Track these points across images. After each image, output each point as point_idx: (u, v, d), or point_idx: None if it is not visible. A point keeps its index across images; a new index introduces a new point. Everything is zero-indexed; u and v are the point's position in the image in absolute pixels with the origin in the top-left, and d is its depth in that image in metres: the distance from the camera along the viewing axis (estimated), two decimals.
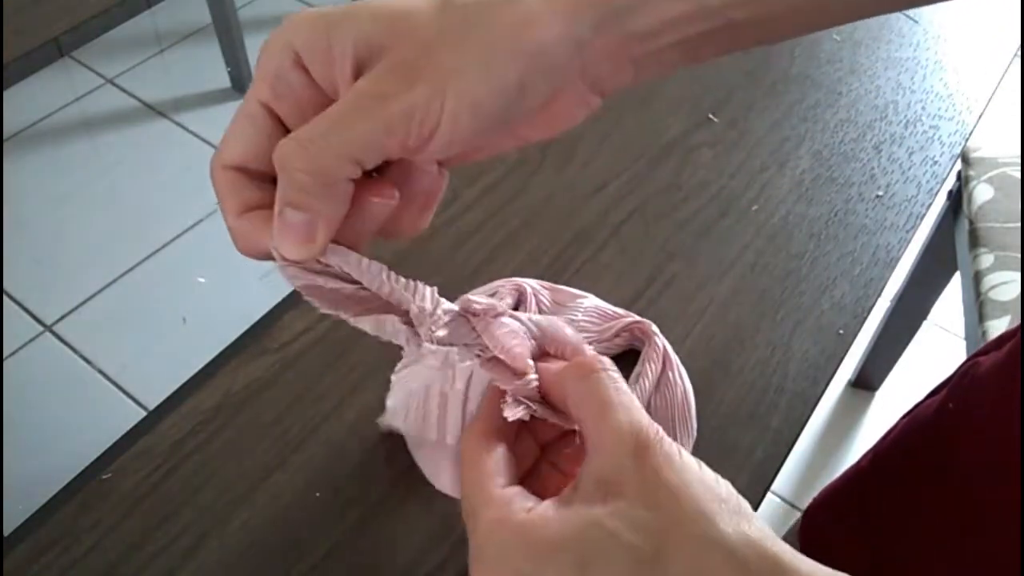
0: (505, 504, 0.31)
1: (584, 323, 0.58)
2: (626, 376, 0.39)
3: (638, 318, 0.58)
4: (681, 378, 0.55)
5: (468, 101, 0.29)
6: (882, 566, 0.58)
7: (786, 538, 0.76)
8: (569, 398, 0.34)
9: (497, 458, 0.34)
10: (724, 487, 0.30)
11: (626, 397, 0.32)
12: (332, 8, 0.30)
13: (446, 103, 0.28)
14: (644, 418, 0.31)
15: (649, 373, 0.55)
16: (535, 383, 0.36)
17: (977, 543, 0.50)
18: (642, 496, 0.29)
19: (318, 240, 0.30)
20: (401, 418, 0.48)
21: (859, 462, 0.64)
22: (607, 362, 0.34)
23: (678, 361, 0.56)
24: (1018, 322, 0.92)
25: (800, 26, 0.34)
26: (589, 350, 0.38)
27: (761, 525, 0.29)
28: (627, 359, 0.57)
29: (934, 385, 0.61)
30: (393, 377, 0.49)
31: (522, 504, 0.31)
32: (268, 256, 0.32)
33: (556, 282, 0.62)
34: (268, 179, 0.32)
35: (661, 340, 0.56)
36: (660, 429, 0.31)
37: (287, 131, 0.31)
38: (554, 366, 0.36)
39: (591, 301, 0.59)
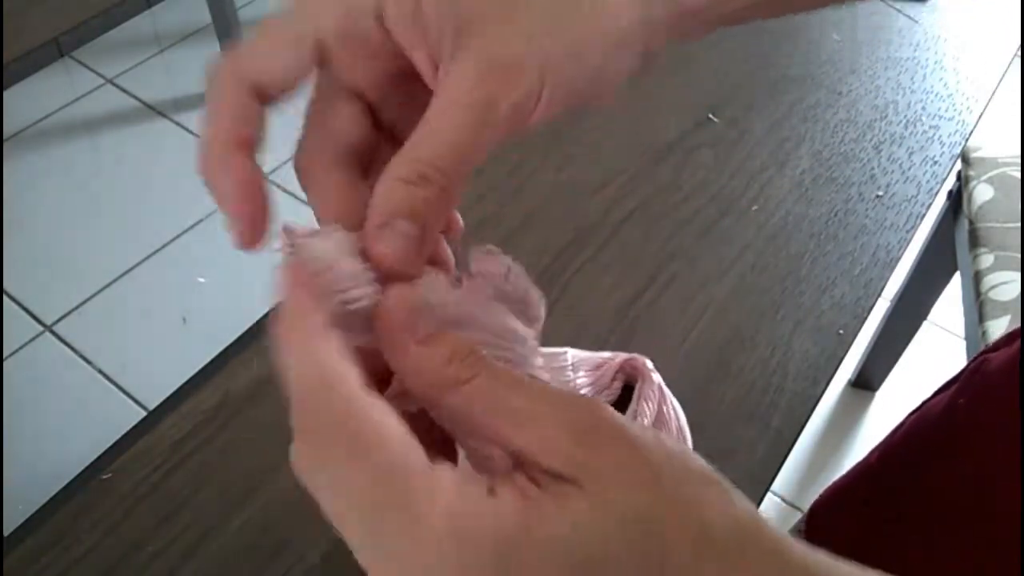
0: (464, 494, 0.23)
1: (581, 380, 0.57)
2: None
3: (627, 355, 0.57)
4: (676, 413, 0.55)
5: (563, 91, 0.28)
6: (891, 561, 0.58)
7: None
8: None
9: (397, 422, 0.24)
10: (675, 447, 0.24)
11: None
12: None
13: (544, 93, 0.28)
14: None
15: (647, 411, 0.53)
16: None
17: (987, 538, 0.51)
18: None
19: (423, 253, 0.27)
20: None
21: (867, 458, 0.64)
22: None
23: (671, 396, 0.56)
24: (1018, 322, 0.93)
25: None
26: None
27: (738, 497, 0.24)
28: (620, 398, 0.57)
29: (934, 384, 0.61)
30: None
31: (479, 491, 0.23)
32: (259, 224, 0.28)
33: (556, 282, 0.62)
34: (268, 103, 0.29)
35: (657, 377, 0.56)
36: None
37: (322, 64, 0.28)
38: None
39: (572, 354, 0.58)
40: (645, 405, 0.54)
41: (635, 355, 0.56)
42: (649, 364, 0.56)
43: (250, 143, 0.28)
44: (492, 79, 0.27)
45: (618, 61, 0.30)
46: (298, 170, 0.30)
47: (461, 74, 0.27)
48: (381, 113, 0.30)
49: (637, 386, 0.55)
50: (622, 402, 0.56)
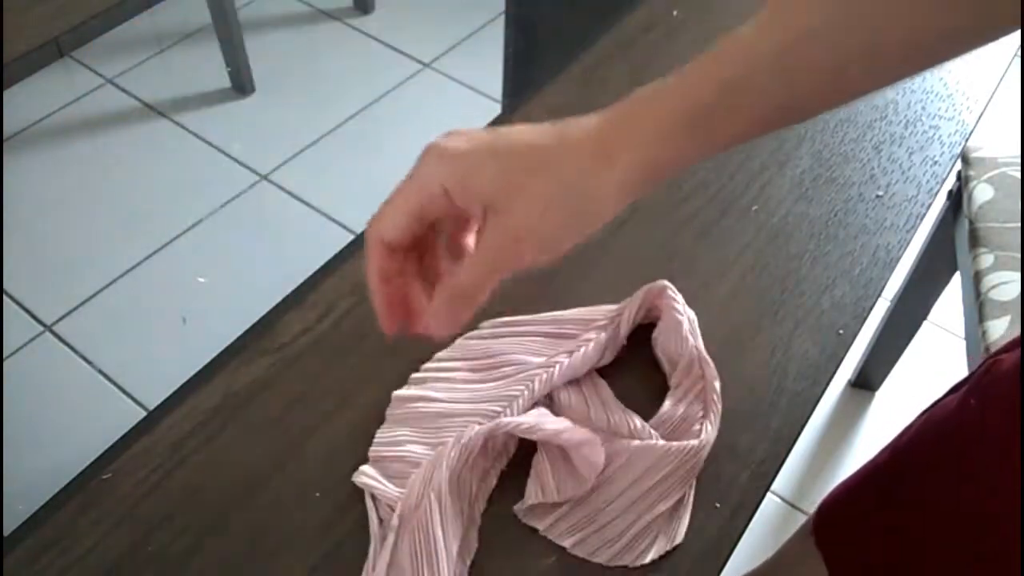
0: None
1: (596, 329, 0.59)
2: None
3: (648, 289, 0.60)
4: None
5: (558, 254, 0.44)
6: (901, 561, 0.58)
7: (793, 538, 0.76)
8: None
9: None
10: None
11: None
12: (467, 153, 0.43)
13: (541, 256, 0.44)
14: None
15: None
16: None
17: (998, 538, 0.51)
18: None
19: (462, 324, 0.46)
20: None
21: (876, 458, 0.64)
22: None
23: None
24: (1018, 322, 0.93)
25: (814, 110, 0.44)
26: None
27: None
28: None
29: (934, 384, 0.61)
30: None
31: None
32: (395, 319, 0.46)
33: (555, 282, 0.62)
34: (401, 250, 0.46)
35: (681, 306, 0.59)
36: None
37: (424, 222, 0.45)
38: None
39: (575, 312, 0.61)
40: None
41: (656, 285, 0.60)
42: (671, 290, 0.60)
43: (388, 277, 0.46)
44: (505, 241, 0.43)
45: (597, 228, 0.45)
46: (371, 289, 0.46)
47: (489, 234, 0.43)
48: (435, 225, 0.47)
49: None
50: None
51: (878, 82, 0.43)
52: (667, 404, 0.56)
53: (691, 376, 0.57)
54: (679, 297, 0.60)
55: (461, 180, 0.42)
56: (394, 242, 0.45)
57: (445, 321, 0.45)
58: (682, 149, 0.43)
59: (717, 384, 0.56)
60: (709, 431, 0.54)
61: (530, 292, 0.61)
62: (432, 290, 0.47)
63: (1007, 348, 0.55)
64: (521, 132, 0.44)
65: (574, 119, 0.44)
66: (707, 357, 0.57)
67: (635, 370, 0.59)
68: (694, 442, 0.53)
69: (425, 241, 0.47)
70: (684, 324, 0.58)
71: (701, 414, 0.55)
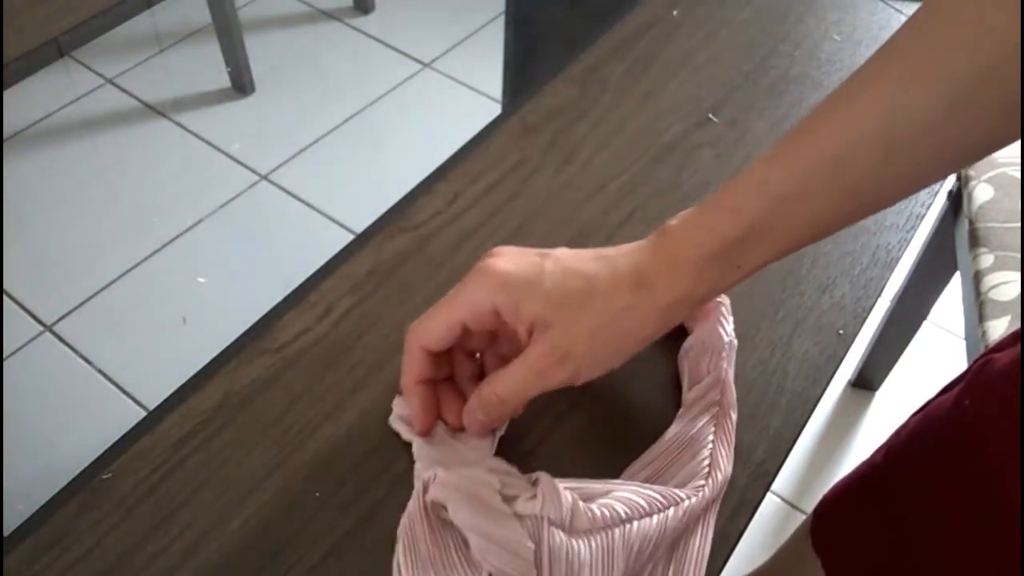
0: None
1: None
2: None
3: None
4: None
5: (593, 373, 0.48)
6: (898, 560, 0.58)
7: (792, 538, 0.76)
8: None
9: None
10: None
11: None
12: (520, 278, 0.46)
13: (579, 375, 0.47)
14: None
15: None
16: None
17: (992, 538, 0.51)
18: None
19: (493, 433, 0.52)
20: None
21: (872, 457, 0.64)
22: None
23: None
24: (1018, 322, 0.93)
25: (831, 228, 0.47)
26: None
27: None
28: None
29: (934, 384, 0.61)
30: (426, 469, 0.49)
31: None
32: (432, 419, 0.51)
33: None
34: (438, 357, 0.50)
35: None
36: None
37: (467, 333, 0.49)
38: None
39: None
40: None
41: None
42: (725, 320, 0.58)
43: (424, 380, 0.50)
44: (550, 359, 0.46)
45: (638, 351, 0.49)
46: (406, 389, 0.52)
47: (535, 350, 0.46)
48: (469, 343, 0.51)
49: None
50: None
51: (895, 196, 0.46)
52: (675, 427, 0.54)
53: (706, 399, 0.54)
54: (731, 318, 0.57)
55: (514, 304, 0.46)
56: (433, 349, 0.49)
57: (477, 424, 0.50)
58: (714, 282, 0.47)
59: (734, 414, 0.54)
60: (724, 469, 0.51)
61: None
62: (457, 389, 0.52)
63: (1001, 346, 0.55)
64: (571, 259, 0.48)
65: (616, 249, 0.48)
66: (732, 384, 0.55)
67: (648, 379, 0.58)
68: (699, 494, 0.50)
69: (460, 347, 0.51)
70: (725, 348, 0.55)
71: (711, 440, 0.53)
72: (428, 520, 0.47)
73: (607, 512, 0.46)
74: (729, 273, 0.46)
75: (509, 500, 0.46)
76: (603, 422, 0.55)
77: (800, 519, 1.33)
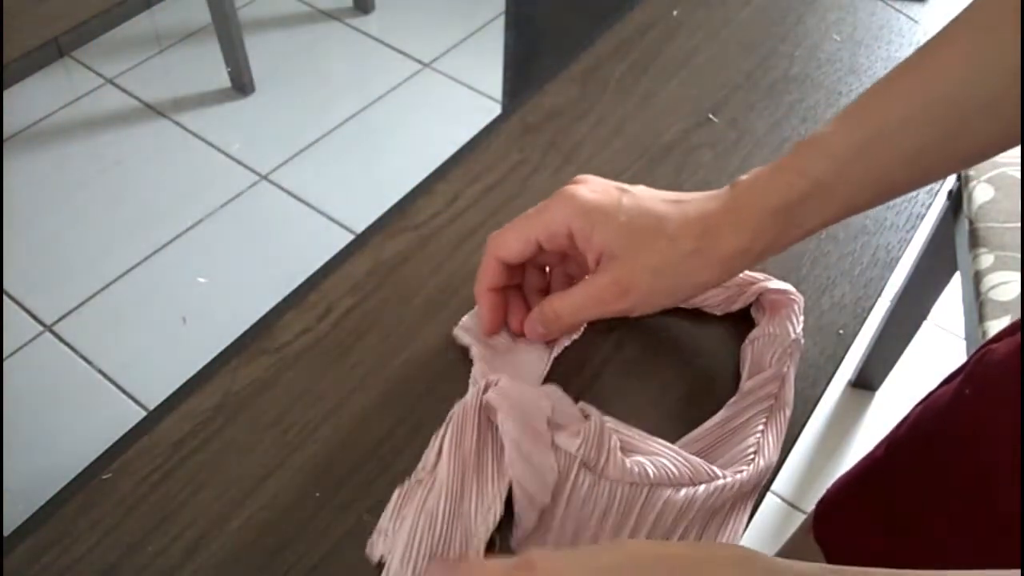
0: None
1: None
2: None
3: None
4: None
5: (650, 307, 0.51)
6: (900, 554, 0.58)
7: (795, 534, 0.76)
8: None
9: None
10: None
11: None
12: (598, 207, 0.49)
13: (636, 308, 0.50)
14: None
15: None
16: None
17: (992, 528, 0.51)
18: None
19: (549, 351, 0.56)
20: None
21: (873, 451, 0.64)
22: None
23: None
24: (1018, 322, 0.93)
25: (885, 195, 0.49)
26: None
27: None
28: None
29: (934, 385, 0.61)
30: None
31: None
32: (498, 323, 0.55)
33: None
34: (511, 268, 0.53)
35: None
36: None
37: (541, 250, 0.52)
38: None
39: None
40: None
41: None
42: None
43: (496, 288, 0.54)
44: (612, 289, 0.49)
45: (694, 296, 0.55)
46: (479, 294, 0.54)
47: (599, 278, 0.49)
48: (541, 258, 0.54)
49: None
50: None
51: (958, 165, 0.47)
52: (725, 412, 0.53)
53: (764, 391, 0.54)
54: (802, 316, 0.57)
55: (588, 230, 0.49)
56: (508, 261, 0.52)
57: (535, 334, 0.54)
58: (774, 238, 0.48)
59: (788, 411, 0.53)
60: (768, 457, 0.51)
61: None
62: (524, 298, 0.55)
63: (999, 337, 0.55)
64: (647, 199, 0.50)
65: (691, 196, 0.50)
66: (792, 382, 0.54)
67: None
68: (739, 476, 0.50)
69: (531, 261, 0.53)
70: (791, 345, 0.55)
71: (761, 429, 0.52)
72: (479, 417, 0.49)
73: (637, 469, 0.48)
74: (789, 231, 0.48)
75: (555, 429, 0.49)
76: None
77: (800, 519, 1.33)
